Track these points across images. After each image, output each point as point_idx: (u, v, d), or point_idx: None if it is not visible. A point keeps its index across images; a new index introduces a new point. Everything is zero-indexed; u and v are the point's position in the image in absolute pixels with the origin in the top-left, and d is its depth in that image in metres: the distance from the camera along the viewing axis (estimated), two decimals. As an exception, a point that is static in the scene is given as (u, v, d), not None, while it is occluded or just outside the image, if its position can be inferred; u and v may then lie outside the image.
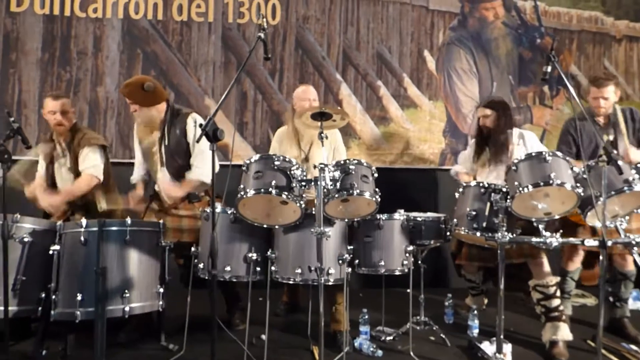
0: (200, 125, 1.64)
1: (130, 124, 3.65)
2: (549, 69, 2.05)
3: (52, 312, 2.07)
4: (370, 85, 3.85)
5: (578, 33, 4.04)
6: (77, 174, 2.62)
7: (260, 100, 3.77)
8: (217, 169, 2.28)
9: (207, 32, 3.75)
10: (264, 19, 1.89)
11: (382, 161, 3.78)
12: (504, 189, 2.21)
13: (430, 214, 2.60)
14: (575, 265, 2.69)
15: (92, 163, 2.59)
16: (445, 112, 3.88)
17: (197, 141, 1.65)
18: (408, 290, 2.38)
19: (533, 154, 2.12)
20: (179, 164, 2.50)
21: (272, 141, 2.90)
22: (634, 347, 2.41)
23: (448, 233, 2.46)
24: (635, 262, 2.29)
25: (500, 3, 3.94)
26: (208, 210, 2.24)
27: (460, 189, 2.38)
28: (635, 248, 2.11)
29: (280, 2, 3.78)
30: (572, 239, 2.25)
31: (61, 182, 2.68)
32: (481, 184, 2.28)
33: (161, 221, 2.32)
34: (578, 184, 2.05)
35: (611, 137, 2.65)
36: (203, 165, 2.44)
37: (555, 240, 2.10)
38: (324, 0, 3.83)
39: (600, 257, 1.96)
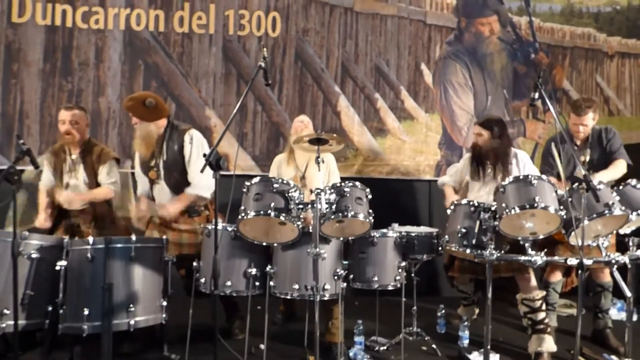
0: (204, 155, 1.72)
1: (132, 134, 3.72)
2: (537, 95, 2.14)
3: (60, 325, 2.16)
4: (368, 98, 3.94)
5: (571, 49, 4.13)
6: (92, 187, 2.72)
7: (259, 112, 3.86)
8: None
9: (208, 44, 3.82)
10: (265, 49, 1.97)
11: (379, 172, 3.88)
12: (493, 208, 2.31)
13: (423, 229, 2.70)
14: (557, 277, 2.80)
15: (113, 179, 2.73)
16: (440, 125, 3.97)
17: (202, 171, 1.73)
18: (404, 299, 2.47)
19: (520, 177, 2.22)
20: (177, 179, 2.59)
21: (272, 167, 3.03)
22: (614, 357, 2.51)
23: (440, 248, 2.56)
24: (612, 274, 2.41)
25: (496, 19, 4.03)
26: (209, 227, 2.34)
27: (452, 207, 2.48)
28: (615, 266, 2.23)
29: (280, 15, 3.85)
30: (555, 258, 2.35)
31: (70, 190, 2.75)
32: (471, 203, 2.38)
33: (164, 237, 2.41)
34: (561, 207, 2.15)
35: (587, 158, 2.74)
36: (200, 181, 2.51)
37: (539, 258, 2.21)
38: (323, 14, 3.90)
39: (579, 273, 2.06)
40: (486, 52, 4.01)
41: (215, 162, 1.71)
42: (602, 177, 2.55)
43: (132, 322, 2.16)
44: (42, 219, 2.70)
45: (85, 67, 3.72)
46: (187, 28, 3.79)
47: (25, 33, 3.66)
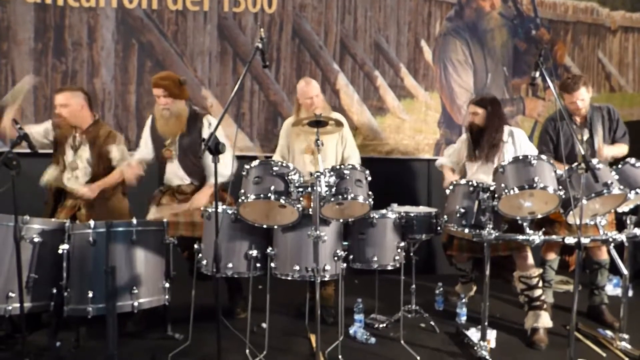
0: (203, 139, 1.70)
1: (128, 116, 3.70)
2: (537, 74, 2.11)
3: (65, 307, 2.20)
4: (367, 75, 3.88)
5: (573, 24, 4.05)
6: (96, 167, 2.73)
7: (257, 91, 3.80)
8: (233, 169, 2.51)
9: (203, 22, 3.73)
10: (262, 30, 1.93)
11: (379, 151, 3.87)
12: (492, 188, 2.32)
13: (422, 209, 2.72)
14: (553, 255, 2.84)
15: (126, 160, 2.75)
16: (440, 103, 3.93)
17: (200, 156, 1.73)
18: (403, 278, 2.51)
19: (520, 158, 2.21)
20: (192, 161, 2.65)
21: (282, 130, 2.95)
22: (609, 332, 2.57)
23: (439, 228, 2.58)
24: (609, 252, 2.45)
25: (497, -7, 3.93)
26: (210, 210, 2.34)
27: (451, 187, 2.49)
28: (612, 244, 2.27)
29: (276, -10, 3.75)
30: (553, 237, 2.38)
31: (70, 170, 2.75)
32: (470, 183, 2.39)
33: (165, 219, 2.43)
34: (560, 187, 2.16)
35: (585, 137, 2.74)
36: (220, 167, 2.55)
37: (537, 237, 2.23)
38: (320, -12, 3.80)
39: (577, 251, 2.08)
40: (487, 28, 3.93)
41: (214, 146, 1.69)
42: (610, 151, 2.70)
43: (135, 303, 2.20)
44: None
45: (79, 47, 3.64)
46: (181, 5, 3.70)
47: (14, 11, 3.57)
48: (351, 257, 2.41)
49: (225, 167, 2.52)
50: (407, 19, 3.89)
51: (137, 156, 2.81)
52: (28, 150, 2.14)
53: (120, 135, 2.84)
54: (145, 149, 2.80)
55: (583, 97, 2.69)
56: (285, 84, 3.81)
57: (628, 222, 2.36)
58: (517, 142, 2.72)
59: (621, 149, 2.78)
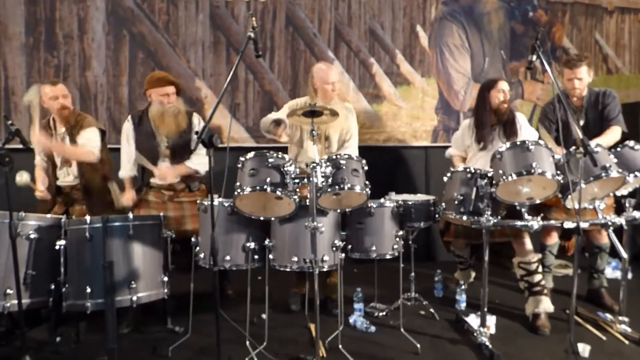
0: (196, 132, 1.68)
1: (121, 108, 3.65)
2: (534, 58, 2.08)
3: (64, 303, 2.20)
4: (363, 63, 3.83)
5: (571, 5, 3.98)
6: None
7: (251, 81, 3.76)
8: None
9: (195, 11, 3.67)
10: (253, 19, 1.88)
11: (376, 140, 3.84)
12: (490, 175, 2.30)
13: (420, 196, 2.70)
14: (553, 240, 2.84)
15: (94, 143, 2.67)
16: (437, 89, 3.89)
17: (194, 149, 1.71)
18: (402, 266, 2.50)
19: (517, 143, 2.19)
20: (184, 158, 2.63)
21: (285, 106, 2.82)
22: (609, 316, 2.57)
23: (437, 215, 2.57)
24: (609, 236, 2.43)
25: (494, -25, 3.86)
26: (206, 202, 2.32)
27: (449, 174, 2.47)
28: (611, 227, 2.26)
29: (268, -23, 3.68)
30: (552, 222, 2.37)
31: (66, 166, 2.73)
32: (468, 169, 2.37)
33: (161, 214, 2.41)
34: (558, 172, 2.14)
35: (582, 122, 2.71)
36: (200, 158, 2.59)
37: (536, 223, 2.23)
38: (313, -25, 3.73)
39: (575, 238, 2.07)
40: (483, 11, 3.87)
41: (208, 139, 1.67)
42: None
43: (134, 298, 2.20)
44: (41, 192, 2.69)
45: (70, 40, 3.59)
46: (171, -6, 3.63)
47: (4, 5, 3.51)
48: (350, 246, 2.40)
49: (205, 161, 2.38)
50: (402, 4, 3.82)
51: (125, 173, 2.69)
52: (21, 146, 2.12)
53: (96, 123, 2.77)
54: (129, 164, 2.68)
55: (582, 77, 2.66)
56: (280, 73, 3.76)
57: (627, 205, 2.35)
58: (523, 127, 2.71)
59: (609, 137, 2.65)
